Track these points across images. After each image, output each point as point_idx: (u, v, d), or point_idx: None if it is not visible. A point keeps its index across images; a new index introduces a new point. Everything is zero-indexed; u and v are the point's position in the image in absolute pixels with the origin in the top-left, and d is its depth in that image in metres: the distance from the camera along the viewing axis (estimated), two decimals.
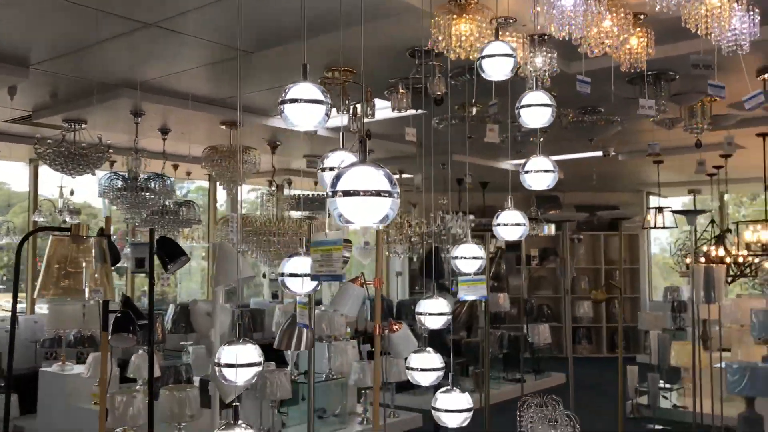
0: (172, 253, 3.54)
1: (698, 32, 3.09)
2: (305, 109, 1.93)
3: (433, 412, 2.55)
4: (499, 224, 2.77)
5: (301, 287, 2.14)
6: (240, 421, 1.94)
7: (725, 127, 5.64)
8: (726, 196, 12.83)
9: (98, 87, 5.69)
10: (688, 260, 9.24)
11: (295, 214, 8.97)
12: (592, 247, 13.41)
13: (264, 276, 9.25)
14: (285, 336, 2.96)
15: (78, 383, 6.14)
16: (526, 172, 2.69)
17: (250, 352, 2.08)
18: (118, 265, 3.85)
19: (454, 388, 2.53)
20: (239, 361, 2.04)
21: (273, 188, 7.06)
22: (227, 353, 2.08)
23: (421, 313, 2.72)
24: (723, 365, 6.72)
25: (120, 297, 3.25)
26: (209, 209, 9.49)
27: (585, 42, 3.24)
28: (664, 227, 8.83)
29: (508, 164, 9.57)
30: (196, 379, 6.28)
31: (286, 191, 8.97)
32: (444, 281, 3.94)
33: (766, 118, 5.82)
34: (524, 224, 2.77)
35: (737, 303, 8.07)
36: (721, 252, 8.23)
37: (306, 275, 2.12)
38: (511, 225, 2.76)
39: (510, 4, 3.71)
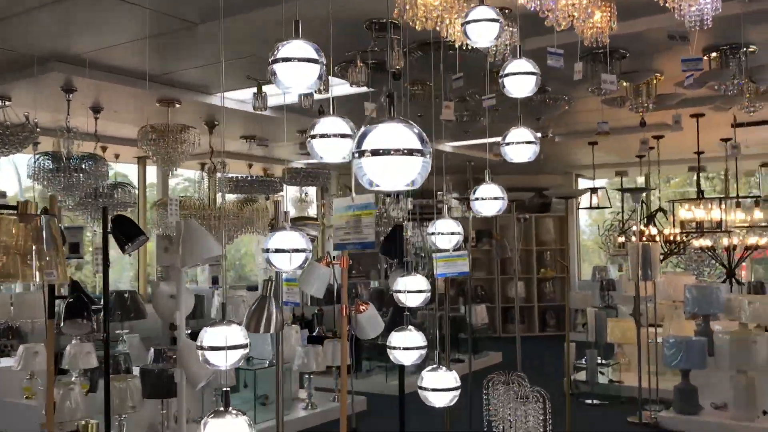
0: (129, 233, 3.30)
1: (666, 5, 3.09)
2: (299, 69, 1.79)
3: (419, 391, 2.46)
4: (477, 198, 2.69)
5: (289, 263, 2.00)
6: (231, 408, 1.79)
7: (670, 106, 5.75)
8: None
9: (24, 60, 5.31)
10: (621, 239, 9.48)
11: (230, 197, 8.71)
12: (524, 228, 13.63)
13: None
14: (253, 318, 2.80)
15: (7, 377, 5.77)
16: (507, 144, 2.62)
17: (237, 334, 1.93)
18: None
19: (441, 365, 2.44)
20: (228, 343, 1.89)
21: (213, 170, 6.80)
22: (211, 336, 1.93)
23: (399, 291, 2.61)
24: (661, 340, 6.93)
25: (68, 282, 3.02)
26: (139, 193, 9.09)
27: (553, 14, 3.19)
28: (599, 207, 9.02)
29: (448, 146, 9.56)
30: (136, 369, 6.02)
31: (220, 174, 8.69)
32: (407, 259, 3.85)
33: (709, 98, 5.97)
34: (503, 198, 2.70)
35: (669, 280, 8.34)
36: (654, 231, 8.47)
37: (297, 251, 1.98)
38: (489, 199, 2.68)
39: None
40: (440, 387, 2.37)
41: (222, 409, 1.80)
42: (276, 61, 1.80)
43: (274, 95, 5.04)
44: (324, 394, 7.47)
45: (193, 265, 3.06)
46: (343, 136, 1.95)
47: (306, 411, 7.09)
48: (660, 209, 9.22)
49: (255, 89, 4.63)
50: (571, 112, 7.23)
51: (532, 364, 9.45)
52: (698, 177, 7.58)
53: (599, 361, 8.46)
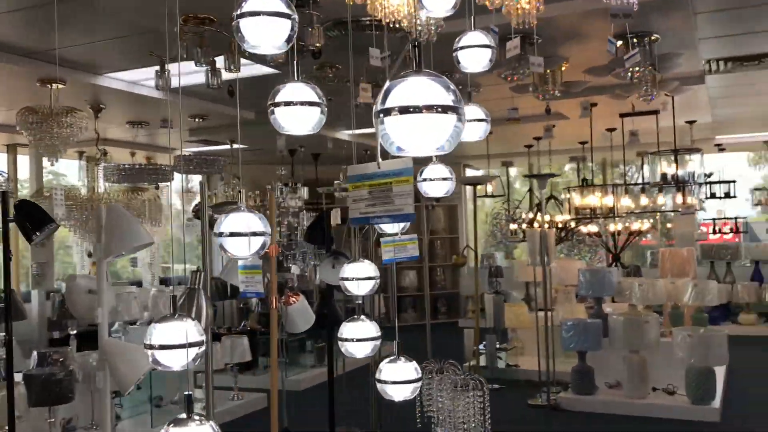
0: (37, 220, 2.88)
1: None
2: (268, 24, 1.56)
3: (378, 385, 2.29)
4: (425, 179, 2.55)
5: (248, 248, 1.77)
6: (193, 414, 1.55)
7: (576, 94, 5.87)
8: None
9: None
10: (513, 227, 9.71)
11: (113, 187, 8.13)
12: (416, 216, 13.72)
13: (90, 255, 8.32)
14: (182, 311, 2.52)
15: None
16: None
17: (192, 330, 1.68)
18: None
19: (400, 357, 2.29)
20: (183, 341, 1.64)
21: (102, 156, 6.27)
22: (161, 333, 1.67)
23: (347, 279, 2.43)
24: (560, 323, 7.12)
25: None
26: (12, 183, 8.29)
27: None
28: (493, 195, 9.18)
29: (345, 134, 9.40)
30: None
31: (105, 163, 8.08)
32: (338, 248, 3.67)
33: (610, 87, 6.15)
34: (451, 179, 2.58)
35: (561, 265, 8.61)
36: (546, 218, 8.71)
37: (255, 234, 1.75)
38: (438, 180, 2.55)
39: None
40: (400, 379, 2.22)
41: (185, 416, 1.55)
42: (242, 15, 1.56)
43: (177, 75, 4.67)
44: (223, 393, 7.13)
45: (119, 254, 2.73)
46: (311, 104, 1.74)
47: (204, 411, 6.72)
48: (552, 197, 9.51)
49: (158, 67, 4.26)
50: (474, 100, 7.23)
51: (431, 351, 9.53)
52: (578, 166, 7.84)
53: (498, 346, 8.63)
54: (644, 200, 8.25)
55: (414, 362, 2.33)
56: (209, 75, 4.27)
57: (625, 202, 8.35)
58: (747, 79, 7.24)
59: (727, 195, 10.33)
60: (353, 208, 1.66)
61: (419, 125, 1.17)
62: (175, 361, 1.68)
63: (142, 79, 6.07)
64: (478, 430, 3.19)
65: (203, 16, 4.14)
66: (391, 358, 2.29)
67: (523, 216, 10.34)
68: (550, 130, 7.08)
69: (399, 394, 2.24)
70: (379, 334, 2.42)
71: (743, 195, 12.19)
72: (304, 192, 9.27)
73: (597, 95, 6.85)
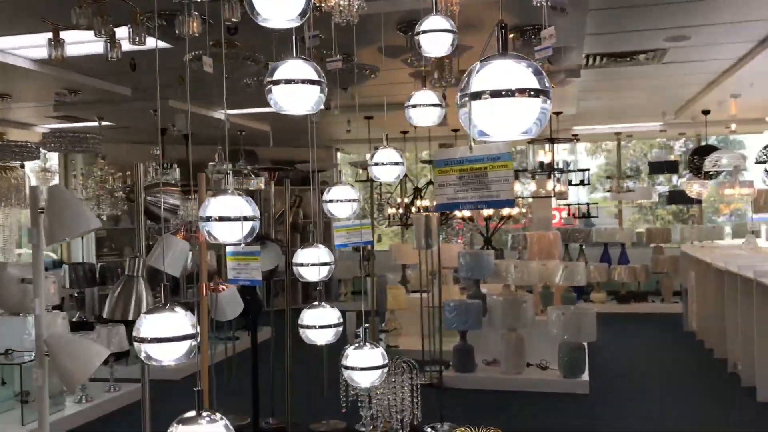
0: None
1: None
2: None
3: (343, 371, 2.24)
4: (376, 163, 2.53)
5: (241, 233, 1.67)
6: (204, 412, 1.45)
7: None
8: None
9: None
10: (391, 211, 9.86)
11: None
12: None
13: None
14: (119, 302, 2.34)
15: None
16: (413, 106, 2.50)
17: (183, 322, 1.57)
18: None
19: (366, 342, 2.26)
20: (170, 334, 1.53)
21: None
22: (151, 325, 1.54)
23: (301, 264, 2.37)
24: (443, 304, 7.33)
25: None
26: None
27: None
28: (367, 180, 9.27)
29: (220, 113, 9.08)
30: None
31: None
32: (264, 232, 3.53)
33: None
34: (402, 163, 2.58)
35: (441, 248, 8.86)
36: (424, 204, 8.93)
37: (246, 218, 1.65)
38: (389, 164, 2.54)
39: None
40: (366, 365, 2.19)
41: (194, 414, 1.45)
42: None
43: (72, 43, 4.31)
44: (98, 385, 6.72)
45: (62, 239, 2.45)
46: (312, 82, 1.67)
47: (81, 404, 6.32)
48: (430, 183, 9.75)
49: (51, 35, 3.90)
50: (368, 85, 7.22)
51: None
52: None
53: (381, 328, 8.75)
54: (518, 187, 8.67)
55: (380, 348, 2.32)
56: (108, 47, 3.97)
57: None
58: (612, 74, 7.80)
59: (582, 182, 11.11)
60: (439, 193, 1.60)
61: (508, 109, 1.16)
62: (168, 355, 1.56)
63: (9, 47, 5.55)
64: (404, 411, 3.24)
65: None
66: (358, 344, 2.26)
67: (398, 201, 10.54)
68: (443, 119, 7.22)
69: (364, 380, 2.22)
70: (341, 321, 2.38)
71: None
72: (177, 173, 8.88)
73: None
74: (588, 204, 13.04)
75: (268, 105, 1.72)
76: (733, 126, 10.93)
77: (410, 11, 4.68)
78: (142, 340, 1.55)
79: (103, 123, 8.56)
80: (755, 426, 5.63)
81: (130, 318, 2.37)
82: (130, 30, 3.84)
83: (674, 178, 14.98)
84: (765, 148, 9.38)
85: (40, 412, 2.56)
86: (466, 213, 9.38)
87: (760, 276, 6.08)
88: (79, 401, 6.39)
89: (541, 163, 8.18)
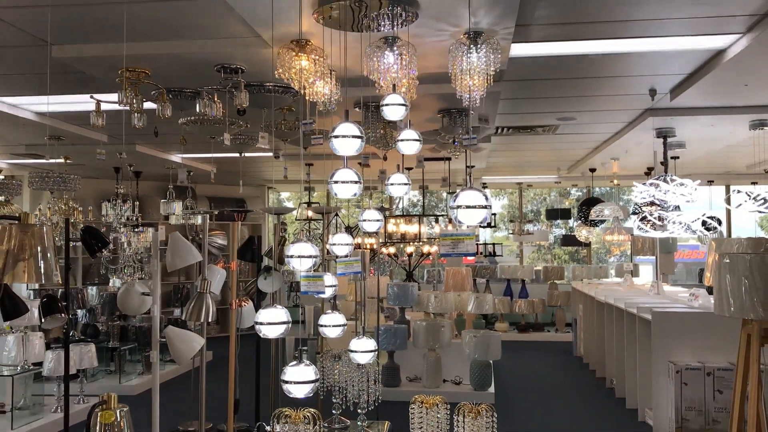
0: (100, 240, 3.56)
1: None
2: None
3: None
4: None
5: (310, 265, 2.91)
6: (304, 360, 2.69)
7: None
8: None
9: None
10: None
11: None
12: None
13: None
14: (195, 310, 3.47)
15: None
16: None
17: (281, 314, 2.80)
18: None
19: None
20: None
21: None
22: (265, 315, 2.77)
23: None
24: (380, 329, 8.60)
25: None
26: None
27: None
28: (309, 219, 10.49)
29: (177, 156, 10.13)
30: None
31: None
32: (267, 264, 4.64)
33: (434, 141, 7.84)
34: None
35: (369, 280, 10.16)
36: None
37: (311, 257, 2.90)
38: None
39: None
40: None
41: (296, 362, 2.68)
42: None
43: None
44: (72, 399, 7.54)
45: (179, 266, 3.56)
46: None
47: (57, 414, 7.17)
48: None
49: (94, 107, 5.00)
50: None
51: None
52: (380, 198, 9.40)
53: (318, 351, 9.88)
54: (436, 228, 10.11)
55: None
56: (135, 117, 5.10)
57: (424, 229, 10.19)
58: (516, 140, 9.45)
59: (489, 225, 12.72)
60: (443, 244, 2.90)
61: (472, 213, 2.49)
62: (274, 332, 2.79)
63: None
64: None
65: (140, 69, 4.99)
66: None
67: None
68: (362, 164, 8.26)
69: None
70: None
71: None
72: (136, 207, 9.84)
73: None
74: (494, 244, 14.70)
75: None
76: (615, 181, 12.88)
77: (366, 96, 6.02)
78: (260, 324, 2.77)
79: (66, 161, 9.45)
80: (625, 428, 7.14)
81: (201, 320, 3.51)
82: (159, 105, 4.99)
83: (571, 221, 16.84)
84: (585, 209, 11.24)
85: (154, 376, 3.65)
86: (392, 250, 10.72)
87: (629, 307, 7.67)
88: (54, 410, 7.24)
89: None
